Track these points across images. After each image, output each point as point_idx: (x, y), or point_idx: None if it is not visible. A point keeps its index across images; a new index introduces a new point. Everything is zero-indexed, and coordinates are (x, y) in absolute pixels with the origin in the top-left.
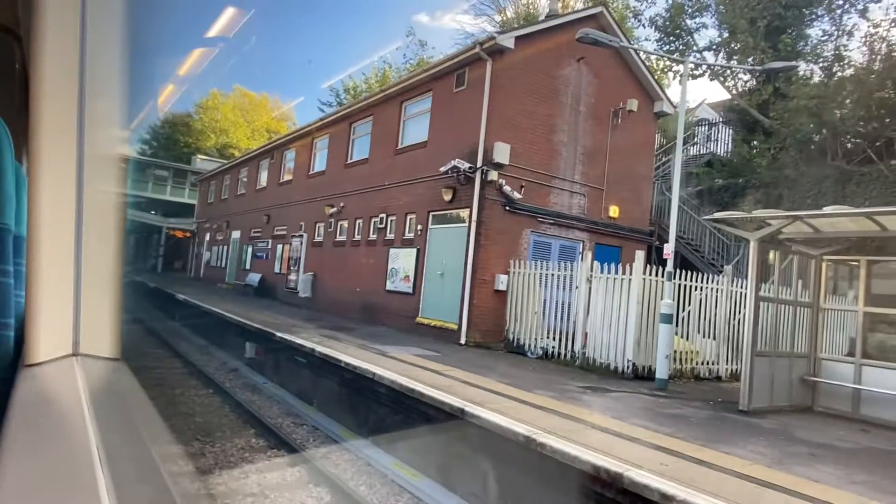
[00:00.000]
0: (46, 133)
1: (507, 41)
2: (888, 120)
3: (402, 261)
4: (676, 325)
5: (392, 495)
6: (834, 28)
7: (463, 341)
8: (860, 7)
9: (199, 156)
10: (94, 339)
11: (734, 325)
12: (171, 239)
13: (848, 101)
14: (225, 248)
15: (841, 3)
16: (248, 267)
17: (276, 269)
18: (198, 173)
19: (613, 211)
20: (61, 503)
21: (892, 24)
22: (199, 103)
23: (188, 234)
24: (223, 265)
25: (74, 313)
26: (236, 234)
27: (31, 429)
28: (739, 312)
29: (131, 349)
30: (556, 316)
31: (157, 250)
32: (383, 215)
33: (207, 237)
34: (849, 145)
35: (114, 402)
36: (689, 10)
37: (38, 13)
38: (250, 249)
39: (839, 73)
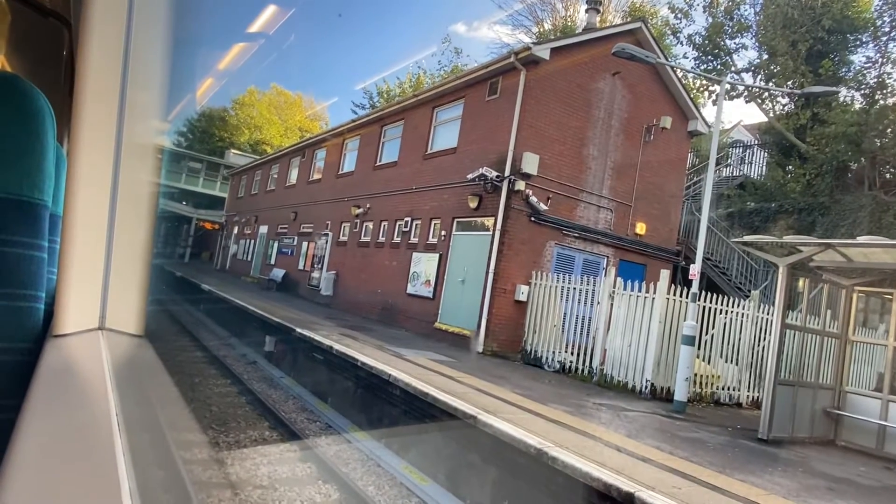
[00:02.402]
0: (88, 117)
1: (543, 52)
2: None
3: (424, 265)
4: (698, 348)
5: (400, 498)
6: (878, 55)
7: (480, 349)
8: None
9: (233, 150)
10: (119, 316)
11: (758, 352)
12: (200, 230)
13: (889, 129)
14: (252, 241)
15: (887, 30)
16: (272, 262)
17: (300, 266)
18: (230, 167)
19: (640, 228)
20: (79, 467)
21: None
22: (235, 99)
23: (217, 226)
24: (249, 259)
25: (103, 290)
26: (263, 229)
27: (55, 395)
28: (764, 339)
29: (154, 334)
30: (575, 330)
31: (185, 240)
32: (408, 219)
33: (235, 230)
34: (888, 175)
35: (136, 376)
36: (729, 30)
37: (88, 1)
38: (276, 245)
39: (881, 101)
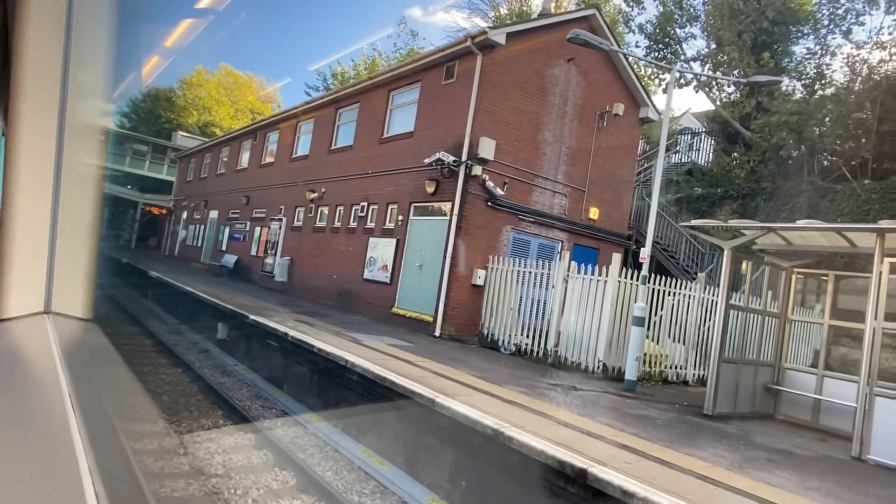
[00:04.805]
0: (29, 95)
1: (499, 37)
2: (864, 140)
3: (381, 250)
4: (648, 329)
5: (358, 482)
6: (818, 47)
7: (437, 333)
8: (844, 28)
9: (181, 132)
10: (66, 299)
11: (704, 332)
12: (146, 215)
13: (827, 119)
14: (202, 227)
15: (826, 23)
16: (224, 248)
17: (253, 252)
18: (178, 150)
19: (593, 213)
20: (35, 451)
21: (875, 47)
22: (183, 79)
23: (164, 211)
24: (199, 245)
25: (48, 273)
26: (214, 214)
27: (2, 379)
28: (710, 319)
29: (99, 322)
30: (531, 313)
31: (131, 226)
32: (364, 203)
33: (184, 215)
34: (825, 162)
35: (87, 360)
36: (679, 20)
37: None
38: (227, 230)
39: (820, 92)
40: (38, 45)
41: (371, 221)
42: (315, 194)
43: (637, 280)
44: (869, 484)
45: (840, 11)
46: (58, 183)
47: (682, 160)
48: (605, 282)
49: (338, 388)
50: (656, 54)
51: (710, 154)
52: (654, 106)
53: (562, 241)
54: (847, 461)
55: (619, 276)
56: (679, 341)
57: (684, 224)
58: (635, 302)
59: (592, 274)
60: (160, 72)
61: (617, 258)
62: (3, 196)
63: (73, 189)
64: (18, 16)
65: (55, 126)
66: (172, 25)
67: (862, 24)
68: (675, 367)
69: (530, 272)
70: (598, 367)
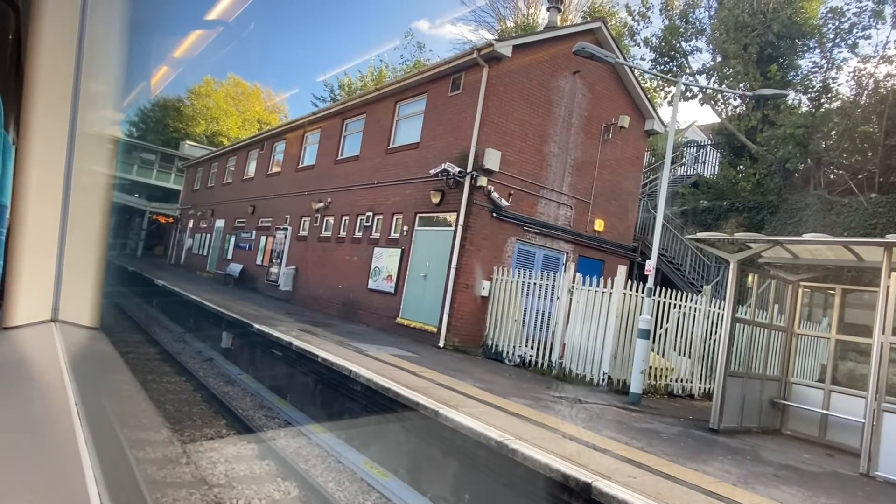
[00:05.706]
0: (40, 105)
1: (505, 49)
2: (871, 154)
3: (385, 260)
4: (653, 342)
5: (360, 493)
6: (824, 60)
7: (441, 344)
8: (850, 42)
9: (188, 142)
10: (73, 307)
11: (709, 345)
12: (153, 223)
13: (833, 132)
14: (208, 236)
15: (832, 36)
16: (229, 257)
17: (258, 261)
18: (185, 159)
19: (599, 224)
20: (41, 458)
21: (881, 61)
22: (191, 89)
23: (171, 220)
24: (205, 253)
25: (56, 281)
26: (220, 223)
27: (8, 387)
28: (715, 332)
29: (104, 331)
30: (535, 325)
31: (138, 234)
32: (370, 213)
33: (191, 224)
34: (832, 176)
35: (94, 369)
36: (684, 33)
37: None
38: (233, 239)
39: (826, 105)
40: (51, 56)
41: (376, 231)
42: (321, 204)
43: (642, 292)
44: (877, 501)
45: (845, 26)
46: (67, 192)
47: (688, 172)
48: (611, 294)
49: (341, 398)
50: (662, 67)
51: (716, 167)
52: (659, 118)
53: (567, 253)
54: (855, 477)
55: (625, 288)
56: (684, 354)
57: (690, 237)
58: (640, 314)
59: (597, 286)
60: (169, 82)
61: (622, 270)
62: (13, 204)
63: (82, 198)
64: (32, 27)
65: (66, 135)
66: (182, 36)
67: (868, 38)
68: (681, 381)
69: (535, 283)
70: (603, 380)
